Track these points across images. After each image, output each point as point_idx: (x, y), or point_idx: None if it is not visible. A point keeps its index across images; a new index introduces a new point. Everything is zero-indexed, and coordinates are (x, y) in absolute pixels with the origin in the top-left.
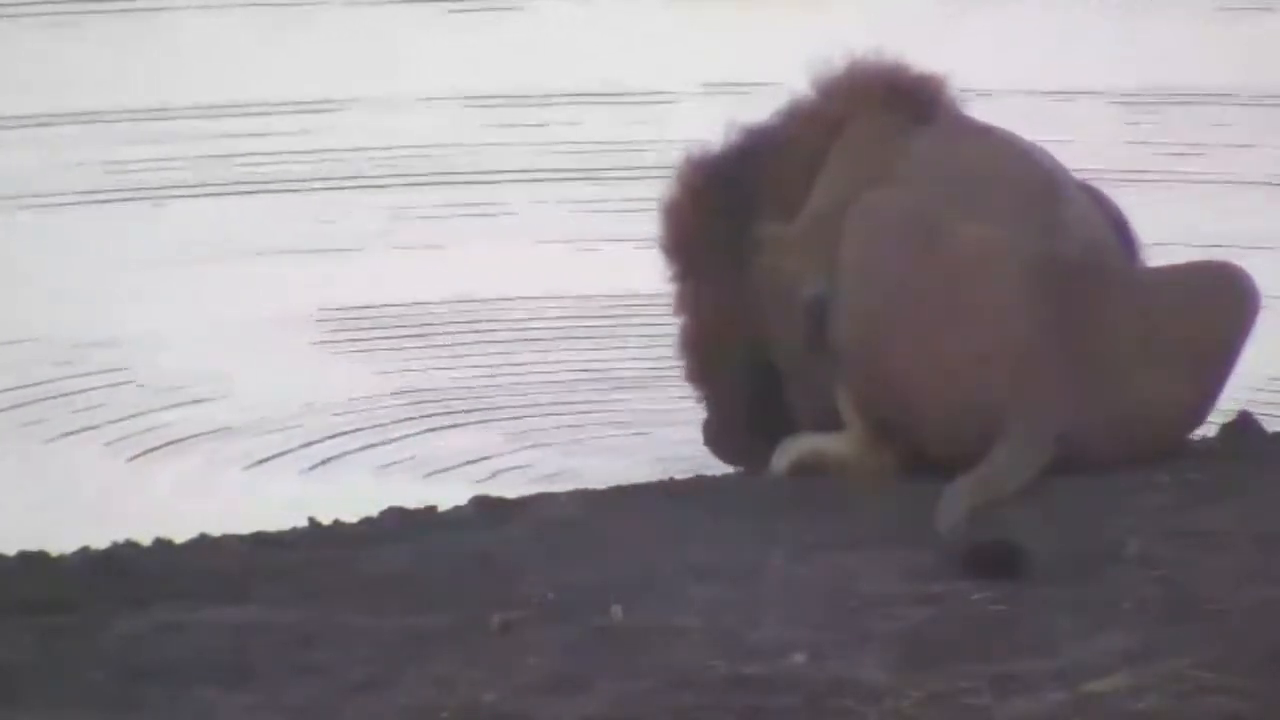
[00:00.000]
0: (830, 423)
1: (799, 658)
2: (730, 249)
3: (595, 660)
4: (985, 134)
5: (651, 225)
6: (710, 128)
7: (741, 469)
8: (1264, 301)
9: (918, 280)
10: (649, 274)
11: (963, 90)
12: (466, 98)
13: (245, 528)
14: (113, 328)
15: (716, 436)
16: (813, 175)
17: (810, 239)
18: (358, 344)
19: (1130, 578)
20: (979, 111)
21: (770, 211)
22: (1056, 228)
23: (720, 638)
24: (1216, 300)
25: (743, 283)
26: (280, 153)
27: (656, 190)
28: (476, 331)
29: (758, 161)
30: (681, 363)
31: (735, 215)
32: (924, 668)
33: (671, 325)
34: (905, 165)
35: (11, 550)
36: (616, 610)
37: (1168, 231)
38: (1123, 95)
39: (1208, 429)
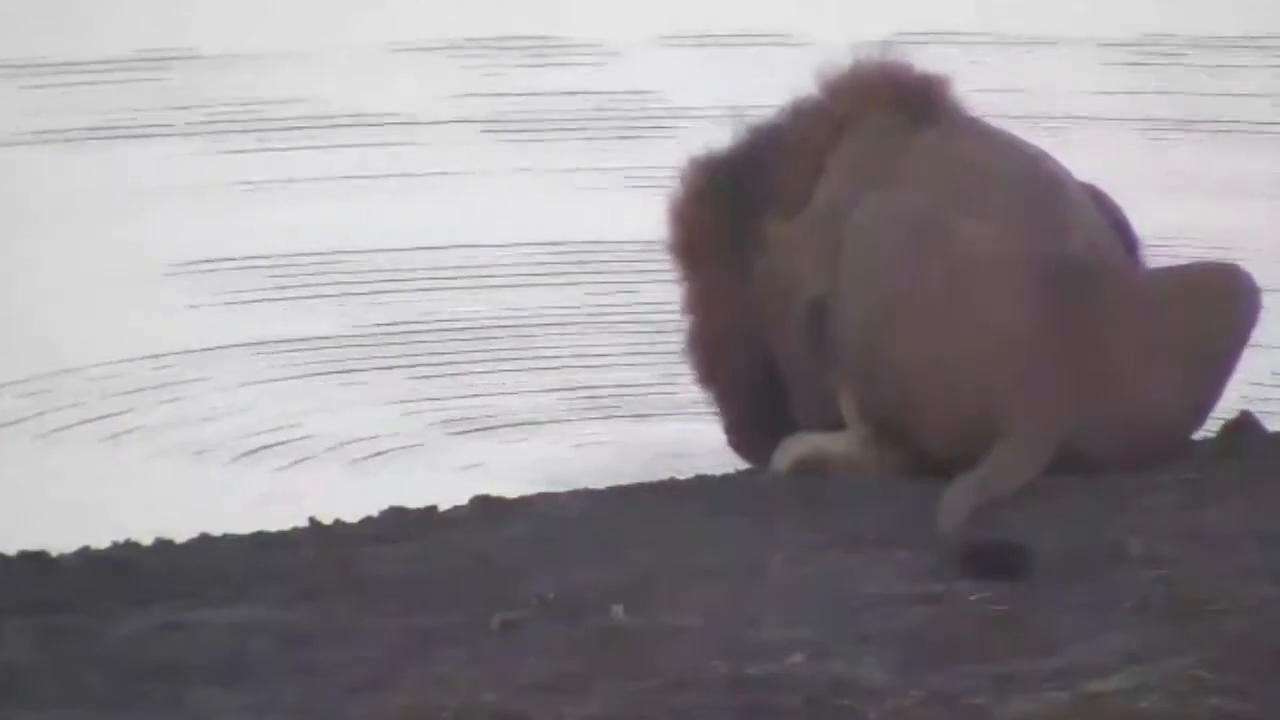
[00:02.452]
0: (832, 423)
1: (799, 658)
2: (736, 248)
3: (595, 660)
4: (988, 134)
5: (588, 175)
6: (661, 78)
7: (743, 469)
8: (1264, 301)
9: (919, 280)
10: (580, 221)
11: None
12: (417, 47)
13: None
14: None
15: (734, 437)
16: (816, 175)
17: (812, 238)
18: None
19: (1131, 578)
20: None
21: (774, 211)
22: (1058, 228)
23: (720, 638)
24: (1217, 300)
25: (748, 282)
26: (165, 102)
27: (596, 141)
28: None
29: (762, 161)
30: (689, 363)
31: (741, 215)
32: (924, 668)
33: (584, 269)
34: (908, 165)
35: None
36: (616, 610)
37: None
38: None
39: (1208, 429)
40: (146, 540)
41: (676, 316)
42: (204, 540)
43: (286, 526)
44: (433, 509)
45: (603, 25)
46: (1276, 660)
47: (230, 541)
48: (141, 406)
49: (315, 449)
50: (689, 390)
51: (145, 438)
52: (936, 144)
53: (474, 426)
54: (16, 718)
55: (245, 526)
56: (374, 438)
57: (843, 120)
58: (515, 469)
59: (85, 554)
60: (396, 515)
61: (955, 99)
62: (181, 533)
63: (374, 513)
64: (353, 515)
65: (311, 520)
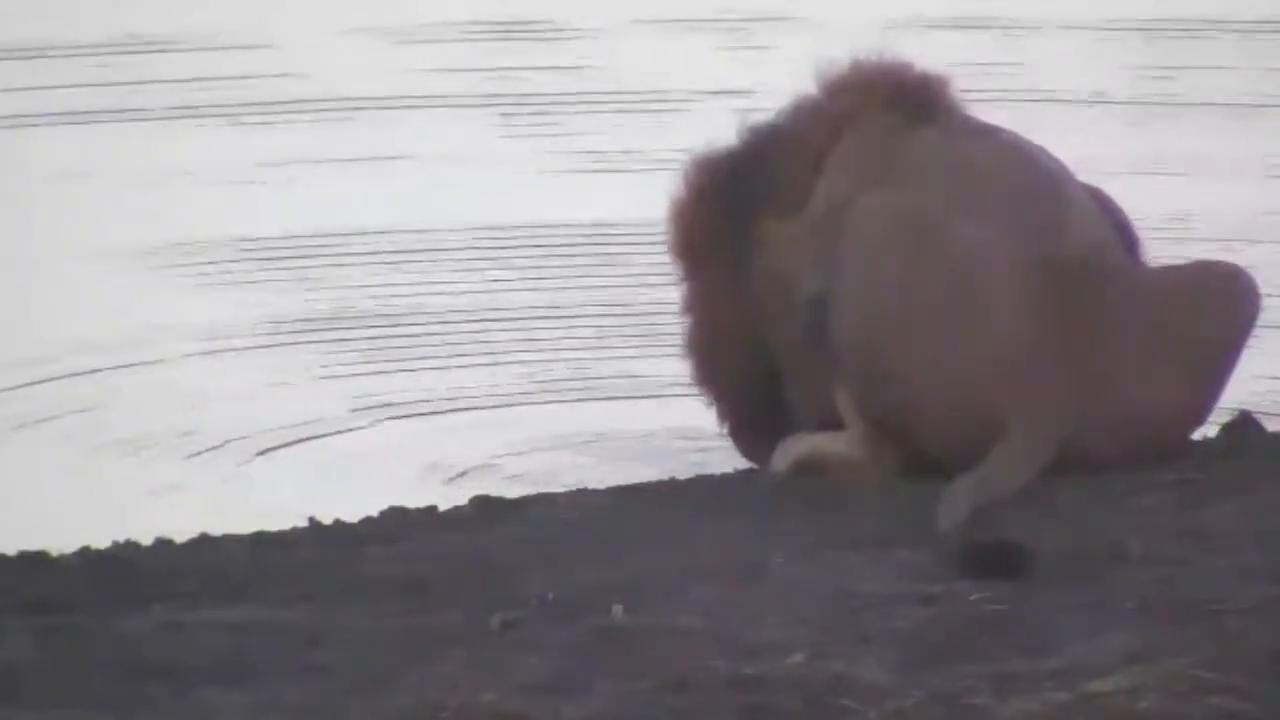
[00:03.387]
0: (830, 422)
1: (799, 658)
2: (736, 248)
3: (595, 660)
4: (987, 134)
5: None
6: (638, 64)
7: (744, 468)
8: (1264, 301)
9: (917, 280)
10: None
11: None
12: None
13: None
14: None
15: (733, 437)
16: (816, 174)
17: (811, 238)
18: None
19: (1130, 578)
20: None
21: (774, 210)
22: (1058, 228)
23: (720, 638)
24: (1217, 300)
25: (748, 282)
26: (124, 82)
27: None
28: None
29: (762, 160)
30: (687, 363)
31: (741, 214)
32: (924, 668)
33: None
34: (907, 164)
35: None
36: (616, 610)
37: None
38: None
39: (1208, 429)
40: (146, 540)
41: (640, 300)
42: (204, 540)
43: (190, 518)
44: (433, 509)
45: (583, 8)
46: (1276, 660)
47: (230, 541)
48: (46, 396)
49: (223, 436)
50: (640, 372)
51: (47, 428)
52: (936, 143)
53: (399, 413)
54: (16, 718)
55: (144, 518)
56: (311, 421)
57: (842, 119)
58: (447, 453)
59: (85, 554)
60: (396, 515)
61: (954, 98)
62: (64, 522)
63: (374, 513)
64: (271, 503)
65: (311, 520)
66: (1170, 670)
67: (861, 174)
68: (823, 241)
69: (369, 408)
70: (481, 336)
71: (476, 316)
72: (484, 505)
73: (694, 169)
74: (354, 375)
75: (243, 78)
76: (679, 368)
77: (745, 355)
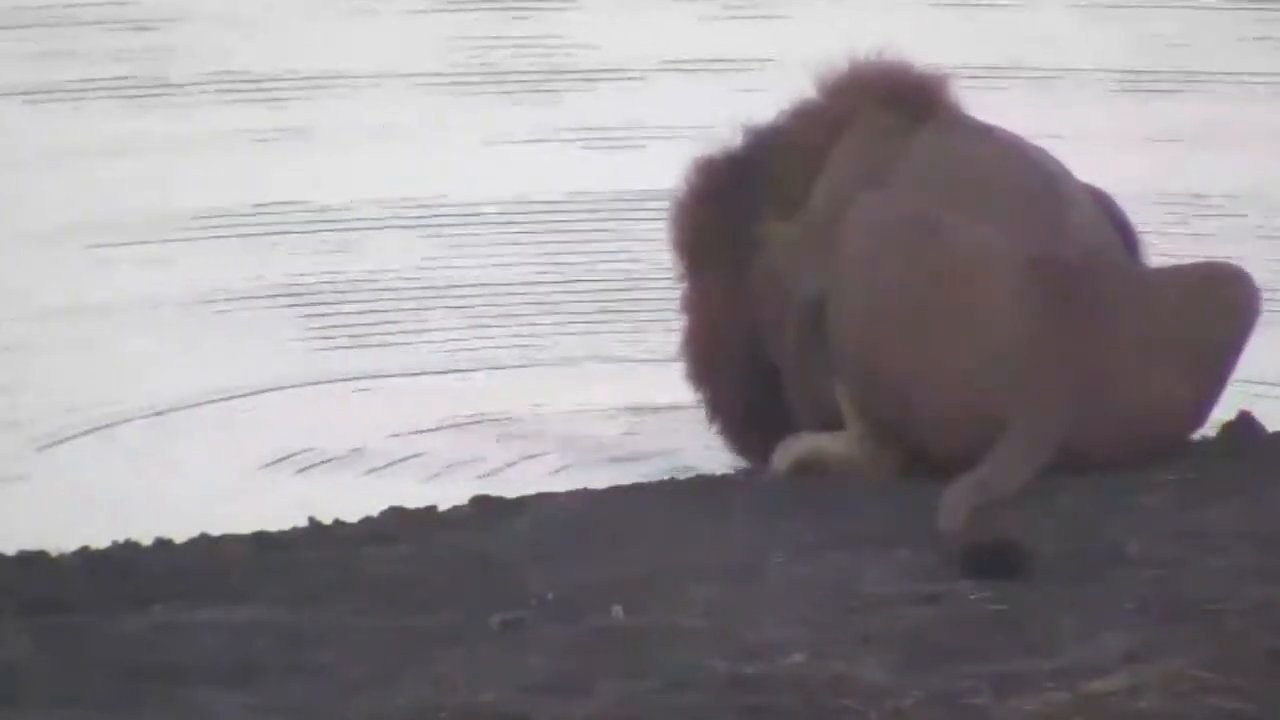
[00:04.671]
0: (830, 422)
1: (799, 658)
2: (735, 249)
3: (595, 660)
4: (987, 134)
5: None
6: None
7: (743, 468)
8: (1264, 303)
9: (916, 281)
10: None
11: None
12: None
13: None
14: None
15: (730, 436)
16: (815, 174)
17: (809, 238)
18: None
19: (1130, 578)
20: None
21: (773, 211)
22: (1057, 228)
23: (720, 638)
24: (1218, 301)
25: (747, 282)
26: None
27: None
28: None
29: (762, 161)
30: (683, 361)
31: (741, 215)
32: (924, 668)
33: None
34: (905, 165)
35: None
36: (617, 610)
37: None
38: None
39: (1208, 429)
40: (146, 540)
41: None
42: (204, 540)
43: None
44: (433, 509)
45: None
46: (1275, 659)
47: (230, 541)
48: None
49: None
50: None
51: None
52: (935, 143)
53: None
54: (16, 718)
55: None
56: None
57: (841, 120)
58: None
59: (85, 554)
60: (396, 515)
61: (953, 98)
62: None
63: (374, 512)
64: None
65: (311, 520)
66: (1170, 670)
67: (861, 174)
68: (822, 241)
69: (334, 380)
70: (423, 314)
71: (420, 293)
72: (484, 505)
73: (694, 170)
74: (309, 350)
75: (194, 50)
76: (648, 346)
77: (743, 355)
